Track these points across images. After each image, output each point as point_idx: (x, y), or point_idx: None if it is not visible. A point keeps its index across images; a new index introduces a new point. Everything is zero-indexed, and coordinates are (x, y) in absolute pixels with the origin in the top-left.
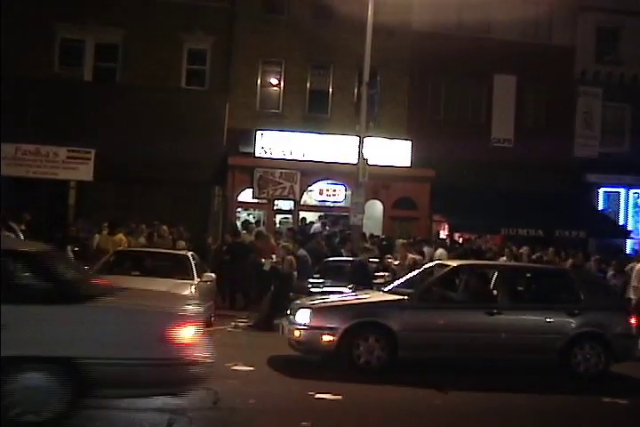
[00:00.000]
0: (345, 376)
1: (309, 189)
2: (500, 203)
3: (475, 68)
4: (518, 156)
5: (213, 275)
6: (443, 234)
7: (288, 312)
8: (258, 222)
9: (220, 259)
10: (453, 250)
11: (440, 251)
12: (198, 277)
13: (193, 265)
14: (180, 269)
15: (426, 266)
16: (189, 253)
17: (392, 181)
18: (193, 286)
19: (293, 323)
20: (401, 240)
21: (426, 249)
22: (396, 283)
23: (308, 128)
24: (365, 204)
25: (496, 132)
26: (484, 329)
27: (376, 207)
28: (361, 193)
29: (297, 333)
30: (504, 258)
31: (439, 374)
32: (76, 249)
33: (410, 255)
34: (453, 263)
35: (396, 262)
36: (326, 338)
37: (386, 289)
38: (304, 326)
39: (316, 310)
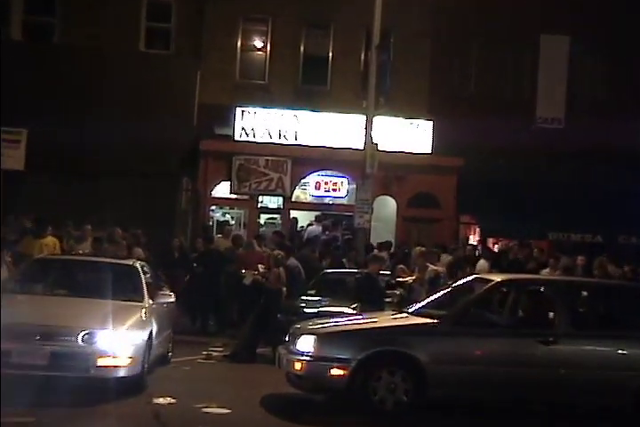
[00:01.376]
0: (359, 420)
1: (303, 182)
2: (547, 201)
3: (516, 28)
4: (570, 140)
5: (172, 294)
6: (472, 239)
7: (287, 339)
8: (237, 224)
9: (189, 270)
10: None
11: (482, 262)
12: (151, 297)
13: (143, 280)
14: (125, 286)
15: (462, 281)
16: (138, 264)
17: (408, 173)
18: (143, 310)
19: (293, 352)
20: (419, 248)
21: (444, 257)
22: (423, 302)
23: (302, 104)
24: (374, 201)
25: (542, 110)
26: (536, 363)
27: (387, 206)
28: (368, 187)
29: (298, 365)
30: (547, 270)
31: (478, 420)
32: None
33: (431, 267)
34: (497, 278)
35: (410, 277)
36: (336, 372)
37: (410, 310)
38: (307, 356)
39: (323, 337)
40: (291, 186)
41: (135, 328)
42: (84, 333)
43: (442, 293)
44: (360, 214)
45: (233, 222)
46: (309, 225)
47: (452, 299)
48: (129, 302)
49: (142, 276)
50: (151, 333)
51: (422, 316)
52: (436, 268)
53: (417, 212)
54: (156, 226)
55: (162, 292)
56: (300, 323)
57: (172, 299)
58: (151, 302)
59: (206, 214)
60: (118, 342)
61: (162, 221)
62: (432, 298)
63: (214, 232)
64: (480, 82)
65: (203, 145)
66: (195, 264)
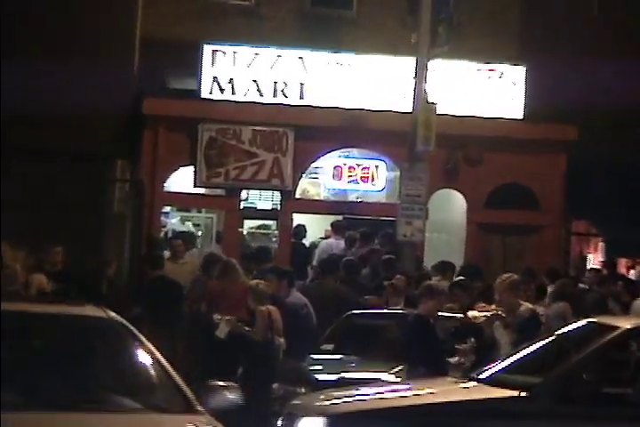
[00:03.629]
0: None
1: (314, 167)
2: None
3: None
4: None
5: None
6: (592, 260)
7: (279, 424)
8: (205, 236)
9: (122, 313)
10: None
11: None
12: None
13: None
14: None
15: (567, 328)
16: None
17: (486, 151)
18: None
19: None
20: (506, 276)
21: (551, 289)
22: (505, 363)
23: (312, 40)
24: (429, 198)
25: None
26: None
27: (452, 206)
28: (421, 176)
29: None
30: None
31: None
32: None
33: (525, 305)
34: (626, 323)
35: (487, 315)
36: None
37: (482, 376)
38: None
39: (338, 420)
40: (294, 174)
41: None
42: None
43: (535, 347)
44: (407, 220)
45: (199, 233)
46: (324, 238)
47: (552, 358)
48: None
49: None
50: None
51: (502, 385)
52: (531, 306)
53: (500, 215)
54: (71, 239)
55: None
56: (302, 396)
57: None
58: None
59: (155, 220)
60: None
61: (80, 230)
62: (519, 356)
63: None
64: (604, 4)
65: (148, 107)
66: (134, 303)
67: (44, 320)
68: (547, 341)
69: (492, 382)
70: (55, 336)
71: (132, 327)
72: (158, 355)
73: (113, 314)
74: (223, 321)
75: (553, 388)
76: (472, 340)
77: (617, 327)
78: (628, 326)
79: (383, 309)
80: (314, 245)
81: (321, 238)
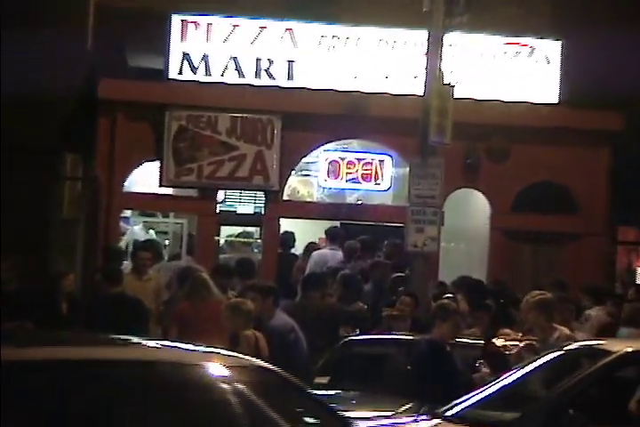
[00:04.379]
0: None
1: (305, 162)
2: None
3: None
4: None
5: None
6: None
7: None
8: (174, 245)
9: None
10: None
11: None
12: None
13: None
14: None
15: (553, 354)
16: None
17: (514, 143)
18: None
19: None
20: (536, 293)
21: (594, 312)
22: (476, 397)
23: (302, 9)
24: (445, 200)
25: None
26: None
27: (473, 208)
28: (434, 173)
29: None
30: None
31: None
32: None
33: (561, 329)
34: (620, 347)
35: (513, 343)
36: None
37: (448, 412)
38: None
39: None
40: (281, 171)
41: None
42: None
43: (514, 377)
44: (417, 226)
45: (167, 243)
46: (315, 248)
47: (533, 389)
48: None
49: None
50: None
51: (471, 423)
52: (568, 332)
53: (531, 220)
54: (11, 250)
55: None
56: None
57: None
58: None
59: (113, 227)
60: None
61: (22, 239)
62: (495, 387)
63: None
64: None
65: (104, 89)
66: (86, 327)
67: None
68: (527, 369)
69: (460, 419)
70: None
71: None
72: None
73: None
74: None
75: (538, 420)
76: (485, 368)
77: (609, 352)
78: (623, 351)
79: (388, 333)
80: (304, 257)
81: (310, 248)
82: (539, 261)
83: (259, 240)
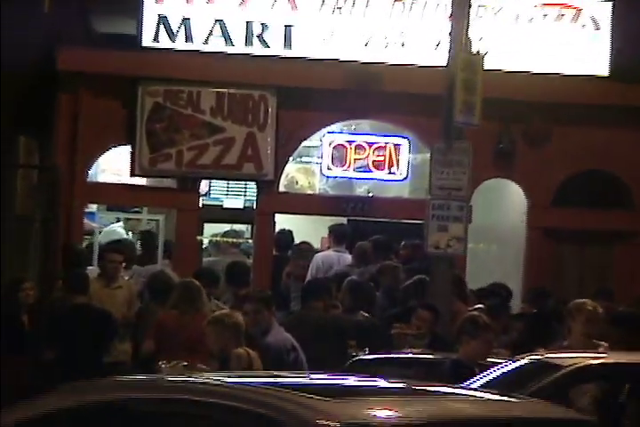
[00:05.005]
0: None
1: (305, 146)
2: None
3: None
4: None
5: None
6: None
7: None
8: (146, 246)
9: (32, 356)
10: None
11: None
12: None
13: None
14: None
15: (508, 366)
16: None
17: (556, 124)
18: None
19: None
20: (582, 302)
21: None
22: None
23: None
24: (474, 192)
25: None
26: None
27: (507, 202)
28: (461, 160)
29: None
30: None
31: None
32: None
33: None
34: (575, 361)
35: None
36: None
37: None
38: None
39: None
40: (276, 157)
41: None
42: None
43: None
44: (440, 224)
45: (137, 241)
46: (307, 249)
47: None
48: None
49: None
50: None
51: None
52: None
53: (576, 216)
54: None
55: None
56: None
57: None
58: None
59: (75, 224)
60: None
61: None
62: None
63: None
64: None
65: (65, 60)
66: (47, 344)
67: None
68: (478, 382)
69: None
70: None
71: None
72: None
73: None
74: (175, 369)
75: None
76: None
77: (560, 367)
78: (578, 364)
79: (404, 352)
80: (301, 259)
81: (307, 248)
82: (585, 265)
83: (249, 240)
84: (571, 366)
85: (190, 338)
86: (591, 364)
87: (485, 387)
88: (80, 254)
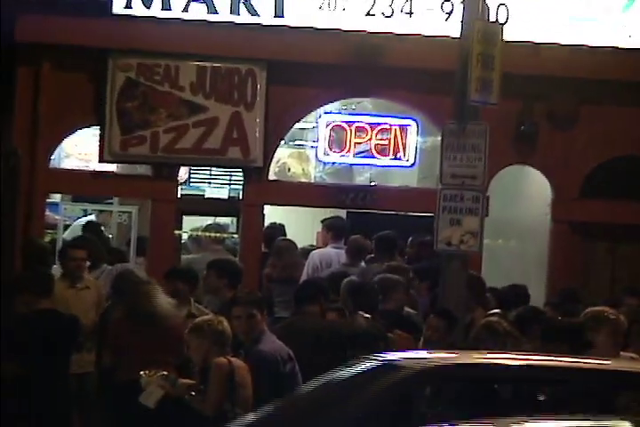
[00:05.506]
0: None
1: (298, 128)
2: None
3: None
4: None
5: None
6: None
7: None
8: (119, 241)
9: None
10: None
11: None
12: None
13: None
14: None
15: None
16: None
17: (584, 103)
18: None
19: None
20: (600, 311)
21: None
22: None
23: None
24: (491, 181)
25: None
26: None
27: (528, 192)
28: (476, 144)
29: None
30: None
31: None
32: None
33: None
34: (420, 363)
35: None
36: None
37: None
38: None
39: None
40: (266, 140)
41: None
42: None
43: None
44: (452, 217)
45: (109, 237)
46: (284, 246)
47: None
48: None
49: None
50: None
51: None
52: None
53: (607, 209)
54: None
55: None
56: None
57: None
58: None
59: (37, 216)
60: None
61: None
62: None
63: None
64: None
65: (26, 30)
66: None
67: None
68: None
69: None
70: None
71: None
72: None
73: None
74: (153, 380)
75: None
76: None
77: (402, 369)
78: (420, 367)
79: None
80: (295, 261)
81: (281, 241)
82: (617, 263)
83: (235, 236)
84: (413, 368)
85: (149, 349)
86: (436, 366)
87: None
88: (41, 250)
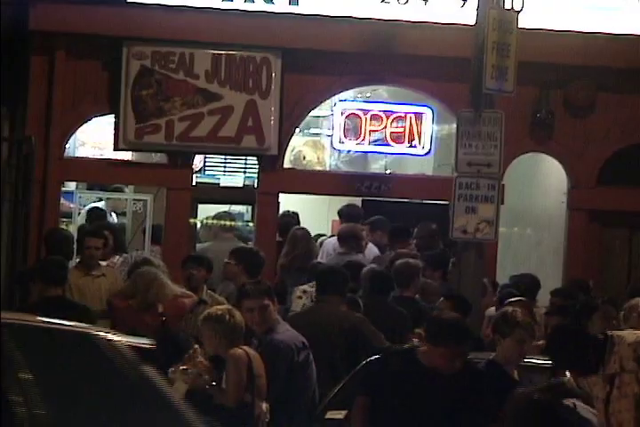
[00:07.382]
0: None
1: (313, 116)
2: None
3: None
4: None
5: None
6: None
7: None
8: (135, 228)
9: None
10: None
11: None
12: None
13: None
14: None
15: None
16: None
17: (601, 91)
18: None
19: None
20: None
21: None
22: None
23: None
24: (507, 169)
25: None
26: None
27: (544, 180)
28: (492, 131)
29: None
30: None
31: None
32: None
33: None
34: None
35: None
36: None
37: None
38: None
39: None
40: (280, 129)
41: None
42: None
43: None
44: (468, 205)
45: (125, 222)
46: (299, 234)
47: None
48: None
49: None
50: None
51: None
52: None
53: (625, 197)
54: None
55: None
56: None
57: None
58: None
59: (52, 205)
60: None
61: None
62: None
63: (75, 253)
64: None
65: (40, 18)
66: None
67: None
68: None
69: None
70: None
71: None
72: None
73: None
74: (177, 376)
75: None
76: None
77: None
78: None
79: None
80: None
81: (295, 230)
82: (634, 250)
83: (250, 224)
84: None
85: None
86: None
87: None
88: (67, 241)
